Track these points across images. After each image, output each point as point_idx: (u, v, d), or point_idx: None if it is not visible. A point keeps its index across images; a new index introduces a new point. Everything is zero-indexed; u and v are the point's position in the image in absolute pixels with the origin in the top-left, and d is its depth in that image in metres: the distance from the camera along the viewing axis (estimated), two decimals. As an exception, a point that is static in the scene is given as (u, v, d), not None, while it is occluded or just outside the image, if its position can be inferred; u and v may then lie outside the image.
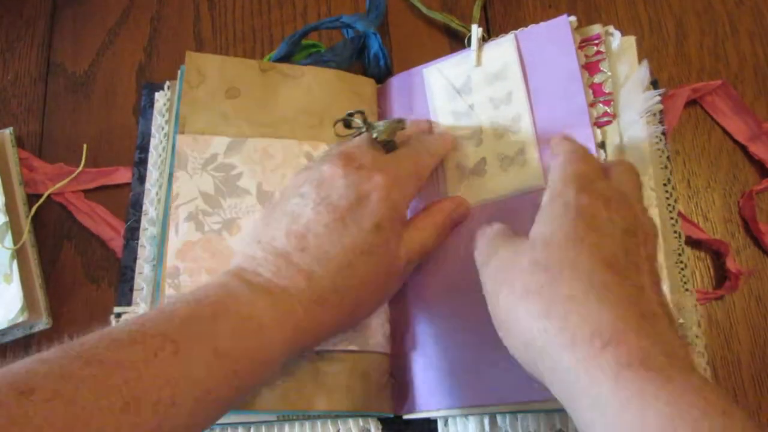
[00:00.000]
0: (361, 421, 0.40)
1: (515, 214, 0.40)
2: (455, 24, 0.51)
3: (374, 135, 0.40)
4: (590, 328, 0.26)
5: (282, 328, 0.33)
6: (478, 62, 0.45)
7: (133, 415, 0.25)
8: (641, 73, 0.42)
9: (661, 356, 0.25)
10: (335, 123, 0.42)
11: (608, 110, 0.41)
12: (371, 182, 0.36)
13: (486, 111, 0.44)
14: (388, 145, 0.40)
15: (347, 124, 0.42)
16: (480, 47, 0.45)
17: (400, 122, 0.41)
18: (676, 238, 0.42)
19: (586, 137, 0.40)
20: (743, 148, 0.47)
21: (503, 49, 0.44)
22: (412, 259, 0.38)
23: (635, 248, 0.30)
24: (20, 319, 0.43)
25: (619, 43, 0.43)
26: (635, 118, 0.41)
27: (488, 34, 0.48)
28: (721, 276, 0.45)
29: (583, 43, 0.43)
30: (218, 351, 0.30)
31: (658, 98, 0.42)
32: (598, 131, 0.41)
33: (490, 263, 0.34)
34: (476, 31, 0.45)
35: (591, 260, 0.29)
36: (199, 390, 0.28)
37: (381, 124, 0.40)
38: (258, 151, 0.45)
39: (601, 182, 0.33)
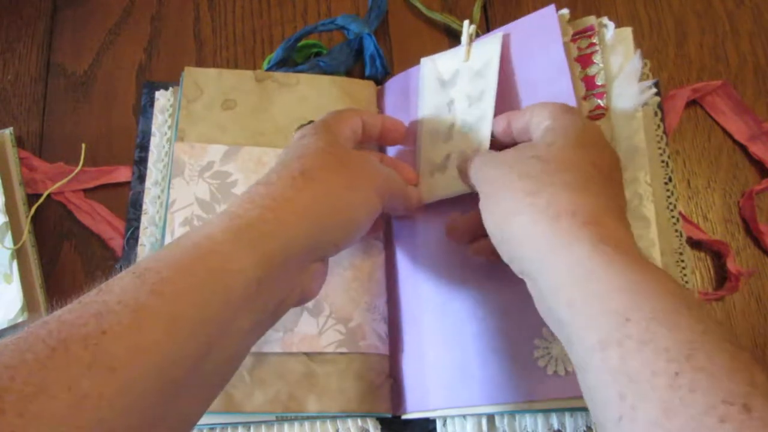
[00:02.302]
0: (359, 421, 0.40)
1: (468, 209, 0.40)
2: (455, 24, 0.51)
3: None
4: (574, 207, 0.29)
5: (211, 224, 0.30)
6: (467, 58, 0.45)
7: (61, 357, 0.24)
8: (634, 63, 0.41)
9: (631, 240, 0.29)
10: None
11: (601, 103, 0.41)
12: (303, 130, 0.39)
13: (461, 107, 0.43)
14: None
15: None
16: (470, 43, 0.45)
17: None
18: (677, 237, 0.42)
19: None
20: (743, 148, 0.47)
21: (489, 46, 0.44)
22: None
23: (620, 171, 0.35)
24: (20, 319, 0.43)
25: (613, 35, 0.42)
26: (629, 110, 0.40)
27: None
28: (722, 276, 0.45)
29: (576, 36, 0.43)
30: (136, 270, 0.28)
31: (654, 90, 0.42)
32: None
33: (488, 162, 0.35)
34: (467, 26, 0.45)
35: (586, 161, 0.32)
36: (126, 311, 0.26)
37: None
38: (253, 159, 0.45)
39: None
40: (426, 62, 0.47)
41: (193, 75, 0.48)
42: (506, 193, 0.32)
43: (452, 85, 0.44)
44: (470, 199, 0.37)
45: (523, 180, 0.32)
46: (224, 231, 0.30)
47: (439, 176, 0.43)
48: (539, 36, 0.42)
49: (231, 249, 0.29)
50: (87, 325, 0.25)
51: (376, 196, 0.37)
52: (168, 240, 0.43)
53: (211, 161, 0.45)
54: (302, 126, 0.44)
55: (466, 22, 0.45)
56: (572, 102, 0.39)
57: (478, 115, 0.42)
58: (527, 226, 0.30)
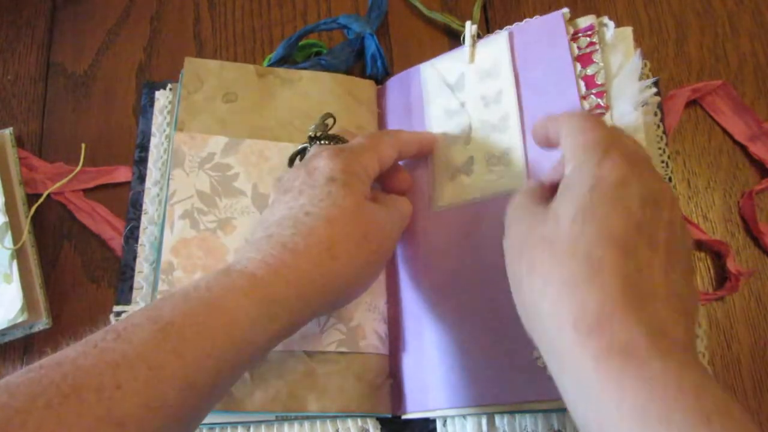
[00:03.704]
0: (359, 421, 0.40)
1: (498, 217, 0.40)
2: (455, 24, 0.51)
3: (309, 134, 0.42)
4: (575, 315, 0.26)
5: (235, 288, 0.31)
6: (472, 59, 0.45)
7: (74, 405, 0.24)
8: (634, 62, 0.41)
9: (645, 340, 0.25)
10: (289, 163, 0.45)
11: (601, 102, 0.41)
12: (318, 157, 0.37)
13: (477, 109, 0.44)
14: (334, 141, 0.42)
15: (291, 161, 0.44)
16: (474, 44, 0.45)
17: (327, 115, 0.43)
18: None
19: None
20: (743, 148, 0.47)
21: (496, 46, 0.44)
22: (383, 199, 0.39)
23: (652, 218, 0.28)
24: (20, 319, 0.43)
25: (613, 34, 0.42)
26: (629, 110, 0.40)
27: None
28: (722, 276, 0.45)
29: (576, 35, 0.43)
30: (157, 321, 0.28)
31: (654, 89, 0.41)
32: None
33: (510, 233, 0.32)
34: (470, 27, 0.45)
35: (594, 237, 0.27)
36: (144, 368, 0.26)
37: (312, 126, 0.43)
38: (254, 152, 0.45)
39: (624, 142, 0.30)
40: (426, 68, 0.47)
41: (194, 66, 0.48)
42: (520, 284, 0.29)
43: (460, 88, 0.45)
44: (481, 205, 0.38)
45: (530, 275, 0.29)
46: (249, 299, 0.31)
47: (464, 178, 0.43)
48: (546, 40, 0.42)
49: (252, 323, 0.30)
50: (103, 374, 0.26)
51: (386, 260, 0.39)
52: (167, 235, 0.43)
53: (212, 152, 0.45)
54: (317, 137, 0.42)
55: (468, 23, 0.45)
56: (577, 108, 0.39)
57: (500, 115, 0.42)
58: (537, 325, 0.28)
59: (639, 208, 0.28)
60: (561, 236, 0.28)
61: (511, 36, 0.44)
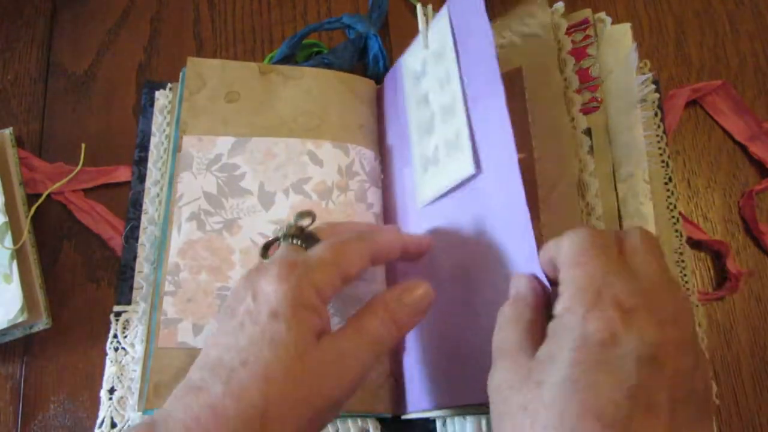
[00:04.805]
0: (359, 421, 0.40)
1: (469, 207, 0.37)
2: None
3: (279, 235, 0.37)
4: None
5: None
6: (425, 44, 0.42)
7: None
8: (631, 57, 0.40)
9: None
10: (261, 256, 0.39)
11: (595, 96, 0.40)
12: (267, 275, 0.31)
13: (435, 94, 0.41)
14: (306, 241, 0.36)
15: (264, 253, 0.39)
16: (427, 27, 0.42)
17: (303, 215, 0.37)
18: (677, 237, 0.42)
19: (499, 109, 0.34)
20: (743, 148, 0.47)
21: (440, 25, 0.41)
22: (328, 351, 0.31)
23: (650, 378, 0.24)
24: (20, 319, 0.43)
25: (611, 30, 0.42)
26: (625, 106, 0.40)
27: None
28: (722, 276, 0.45)
29: (571, 29, 0.42)
30: None
31: (653, 87, 0.41)
32: (584, 118, 0.40)
33: (494, 375, 0.29)
34: (421, 9, 0.42)
35: (579, 410, 0.23)
36: None
37: (287, 224, 0.37)
38: (261, 150, 0.45)
39: (619, 281, 0.26)
40: (400, 62, 0.46)
41: (196, 66, 0.48)
42: None
43: (424, 75, 0.43)
44: (469, 197, 0.37)
45: None
46: None
47: (433, 170, 0.41)
48: (470, 10, 0.38)
49: None
50: None
51: (347, 398, 0.31)
52: (174, 237, 0.43)
53: (219, 154, 0.45)
54: (288, 234, 0.36)
55: (419, 6, 0.42)
56: (497, 83, 0.34)
57: (450, 97, 0.39)
58: None
59: (633, 370, 0.24)
60: (541, 410, 0.25)
61: (449, 10, 0.40)
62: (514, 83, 0.42)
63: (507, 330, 0.30)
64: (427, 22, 0.42)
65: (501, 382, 0.28)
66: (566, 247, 0.28)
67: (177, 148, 0.45)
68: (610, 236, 0.29)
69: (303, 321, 0.30)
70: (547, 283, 0.30)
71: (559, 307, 0.27)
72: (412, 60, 0.45)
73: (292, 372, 0.29)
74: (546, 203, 0.40)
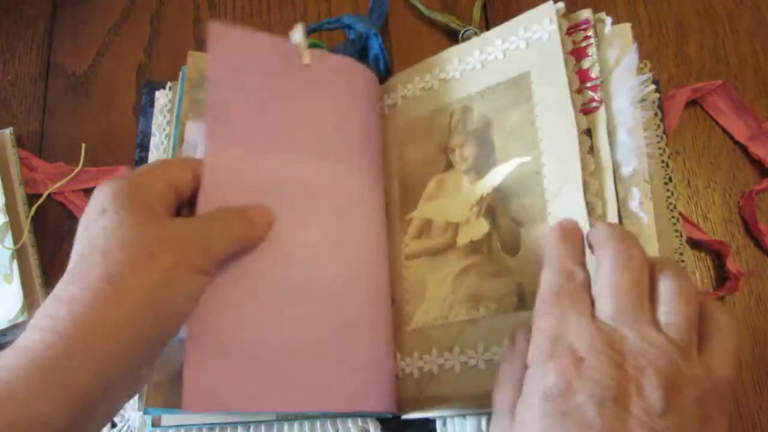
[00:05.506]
0: (360, 421, 0.40)
1: None
2: (455, 24, 0.51)
3: None
4: None
5: (24, 366, 0.27)
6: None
7: None
8: (631, 57, 0.40)
9: None
10: None
11: (595, 96, 0.40)
12: (97, 189, 0.33)
13: None
14: None
15: None
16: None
17: None
18: (677, 237, 0.42)
19: None
20: (743, 148, 0.47)
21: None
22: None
23: (617, 418, 0.24)
24: (20, 319, 0.43)
25: (611, 29, 0.41)
26: (625, 105, 0.40)
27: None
28: (722, 277, 0.45)
29: (571, 30, 0.42)
30: None
31: (653, 86, 0.41)
32: (584, 118, 0.39)
33: (492, 428, 0.30)
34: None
35: None
36: None
37: None
38: None
39: (578, 321, 0.26)
40: None
41: (197, 60, 0.47)
42: None
43: None
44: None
45: None
46: (24, 372, 0.27)
47: None
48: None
49: (32, 397, 0.27)
50: None
51: (201, 275, 0.32)
52: None
53: None
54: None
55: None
56: None
57: None
58: None
59: (595, 415, 0.24)
60: None
61: None
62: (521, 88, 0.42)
63: (502, 390, 0.30)
64: None
65: None
66: (539, 292, 0.28)
67: (178, 144, 0.45)
68: (574, 279, 0.28)
69: (132, 205, 0.31)
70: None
71: (529, 361, 0.27)
72: None
73: (130, 241, 0.30)
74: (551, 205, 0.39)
